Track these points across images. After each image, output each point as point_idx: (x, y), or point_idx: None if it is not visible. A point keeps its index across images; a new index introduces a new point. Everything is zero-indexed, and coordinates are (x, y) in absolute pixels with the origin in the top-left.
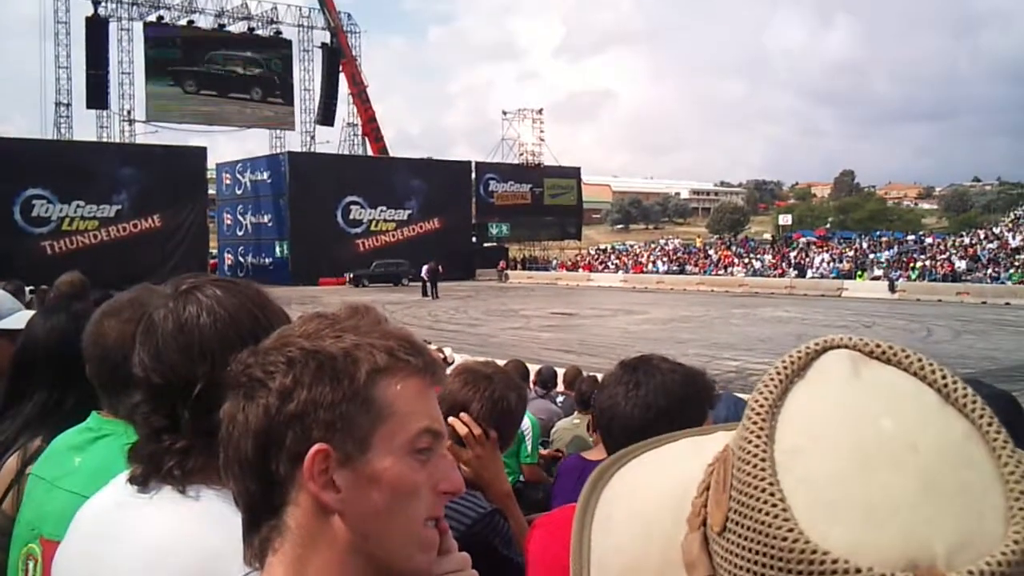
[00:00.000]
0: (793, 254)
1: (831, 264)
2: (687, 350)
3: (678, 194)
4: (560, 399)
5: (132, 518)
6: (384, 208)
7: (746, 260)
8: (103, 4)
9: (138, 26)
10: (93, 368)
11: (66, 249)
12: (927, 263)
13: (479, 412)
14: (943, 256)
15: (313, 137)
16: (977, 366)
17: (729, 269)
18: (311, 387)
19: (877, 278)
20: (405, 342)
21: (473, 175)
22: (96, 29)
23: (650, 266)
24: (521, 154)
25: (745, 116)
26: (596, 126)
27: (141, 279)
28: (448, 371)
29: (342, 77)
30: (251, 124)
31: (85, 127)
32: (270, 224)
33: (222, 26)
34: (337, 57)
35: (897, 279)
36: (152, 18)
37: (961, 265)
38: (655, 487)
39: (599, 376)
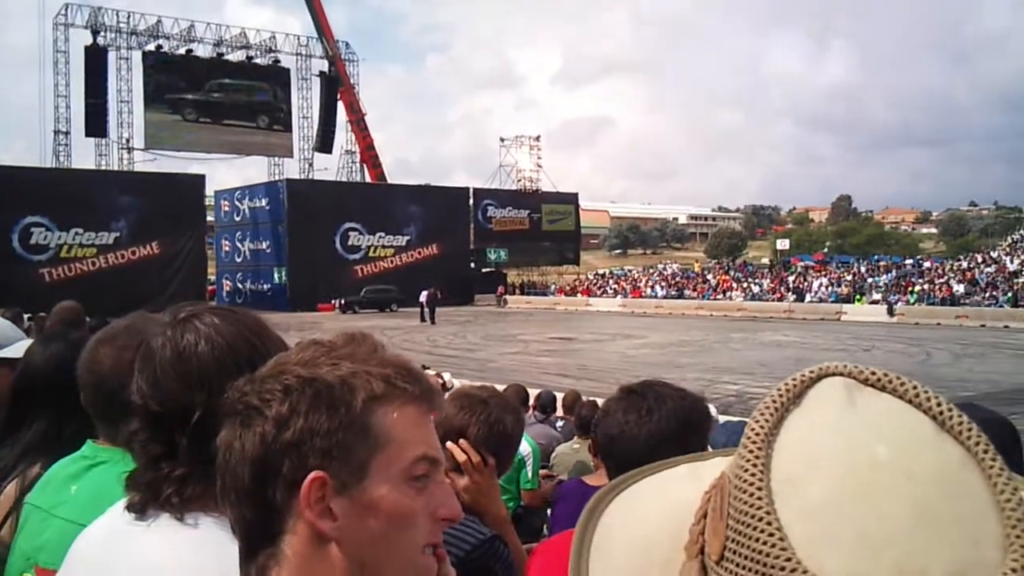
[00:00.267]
0: (791, 278)
1: (829, 288)
2: (686, 374)
3: (676, 219)
4: (559, 424)
5: (129, 546)
6: (382, 234)
7: (744, 285)
8: (102, 34)
9: (137, 55)
10: (88, 396)
11: (64, 276)
12: (925, 287)
13: (476, 436)
14: (941, 280)
15: (311, 164)
16: (976, 389)
17: (727, 294)
18: (307, 415)
19: (876, 302)
20: (402, 369)
21: (471, 201)
22: (95, 58)
23: (648, 291)
24: (519, 180)
25: (742, 142)
26: (594, 153)
27: (139, 306)
28: (445, 396)
29: (340, 105)
30: (250, 152)
31: (84, 155)
32: (268, 251)
33: (221, 55)
34: (335, 85)
35: (896, 303)
36: (151, 47)
37: (959, 289)
38: (653, 513)
39: (598, 401)
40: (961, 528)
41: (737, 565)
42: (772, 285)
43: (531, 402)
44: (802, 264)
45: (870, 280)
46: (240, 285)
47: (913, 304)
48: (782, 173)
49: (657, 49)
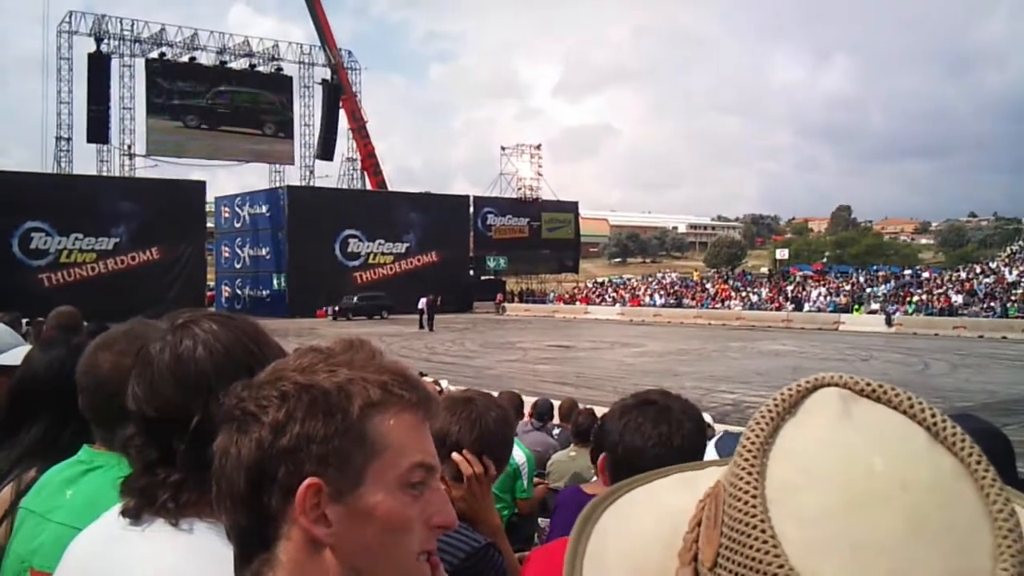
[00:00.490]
0: (790, 288)
1: (828, 298)
2: (684, 383)
3: (675, 228)
4: (556, 431)
5: (124, 551)
6: (382, 241)
7: (743, 294)
8: (106, 41)
9: (140, 62)
10: (86, 400)
11: (64, 281)
12: (924, 297)
13: (459, 434)
14: (940, 290)
15: (312, 171)
16: (974, 399)
17: (726, 303)
18: (304, 421)
19: (874, 312)
20: (399, 376)
21: (471, 209)
22: (98, 65)
23: (647, 299)
24: (519, 189)
25: (742, 152)
26: (595, 162)
27: (139, 311)
28: None
29: (342, 113)
30: (251, 159)
31: (85, 161)
32: (268, 257)
33: (224, 63)
34: (337, 93)
35: (894, 313)
36: (154, 55)
37: (958, 299)
38: (647, 521)
39: (596, 408)
40: (954, 538)
41: (730, 572)
42: (771, 294)
43: (528, 410)
44: (801, 274)
45: (869, 290)
46: (239, 291)
47: (911, 314)
48: (782, 183)
49: (659, 58)
